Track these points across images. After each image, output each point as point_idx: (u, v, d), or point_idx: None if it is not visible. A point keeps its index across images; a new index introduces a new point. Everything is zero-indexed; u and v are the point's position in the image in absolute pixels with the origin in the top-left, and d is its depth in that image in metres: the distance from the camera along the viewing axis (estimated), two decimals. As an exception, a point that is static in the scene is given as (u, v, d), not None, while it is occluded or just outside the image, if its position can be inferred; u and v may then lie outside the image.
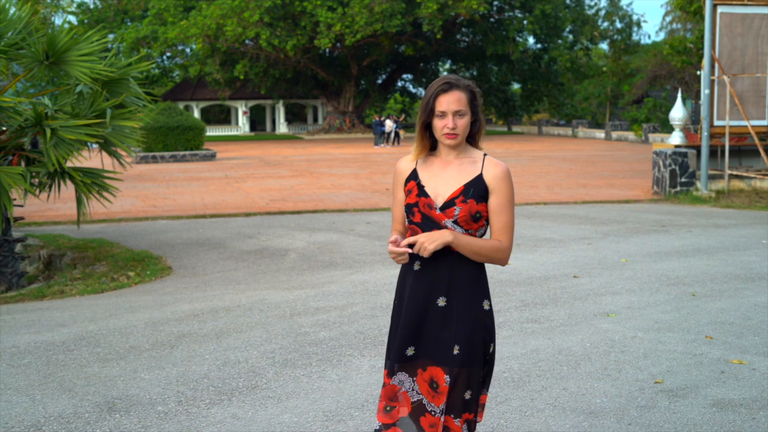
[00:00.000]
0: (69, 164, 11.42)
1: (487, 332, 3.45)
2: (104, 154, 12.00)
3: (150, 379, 5.77)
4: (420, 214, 3.44)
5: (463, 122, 3.42)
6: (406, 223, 3.55)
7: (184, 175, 26.49)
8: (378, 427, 3.44)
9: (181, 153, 33.63)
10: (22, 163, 11.88)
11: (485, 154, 3.52)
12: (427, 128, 3.49)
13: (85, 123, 10.78)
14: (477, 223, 3.40)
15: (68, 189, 12.03)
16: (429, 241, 3.29)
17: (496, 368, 5.96)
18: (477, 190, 3.41)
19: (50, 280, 12.04)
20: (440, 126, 3.41)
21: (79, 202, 11.45)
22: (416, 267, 3.45)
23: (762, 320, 7.24)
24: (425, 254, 3.30)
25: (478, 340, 3.40)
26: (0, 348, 6.82)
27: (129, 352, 6.54)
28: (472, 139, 3.54)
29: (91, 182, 11.50)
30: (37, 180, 11.50)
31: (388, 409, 3.42)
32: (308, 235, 13.37)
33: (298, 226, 14.45)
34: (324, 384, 5.58)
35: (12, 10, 11.45)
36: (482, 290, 3.47)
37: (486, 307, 3.47)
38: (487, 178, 3.44)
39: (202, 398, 5.35)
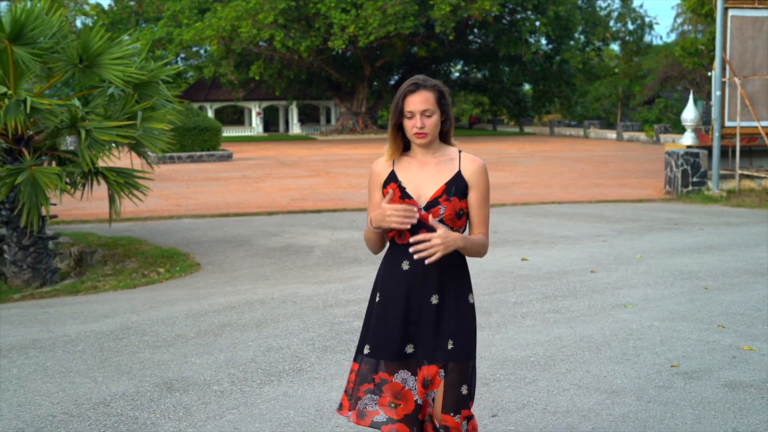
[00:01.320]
0: (101, 164, 11.86)
1: (473, 325, 3.57)
2: (133, 154, 12.44)
3: (201, 363, 6.21)
4: None
5: (432, 121, 3.46)
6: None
7: (203, 175, 26.93)
8: (384, 420, 3.48)
9: (198, 153, 34.08)
10: (53, 163, 12.34)
11: (460, 151, 3.58)
12: (399, 129, 3.54)
13: (118, 125, 11.21)
14: (460, 220, 3.48)
15: (95, 189, 12.45)
16: (444, 247, 3.32)
17: (522, 353, 6.38)
18: (458, 187, 3.48)
19: (82, 276, 12.47)
20: (410, 126, 3.46)
21: (111, 200, 11.89)
22: (405, 267, 3.49)
23: (771, 311, 7.65)
24: (434, 258, 3.33)
25: (468, 333, 3.52)
26: (53, 337, 7.26)
27: (176, 340, 6.97)
28: (444, 137, 3.58)
29: (124, 182, 11.95)
30: (71, 179, 11.95)
31: (392, 405, 3.48)
32: (331, 233, 13.77)
33: (320, 225, 14.86)
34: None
35: (45, 17, 11.87)
36: (467, 285, 3.58)
37: (471, 300, 3.59)
38: (466, 175, 3.50)
39: (253, 379, 5.79)
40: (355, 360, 3.62)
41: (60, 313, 8.76)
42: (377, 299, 3.58)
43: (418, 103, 3.43)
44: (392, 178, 3.54)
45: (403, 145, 3.57)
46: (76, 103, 12.22)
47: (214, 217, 16.52)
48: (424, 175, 3.51)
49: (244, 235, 13.93)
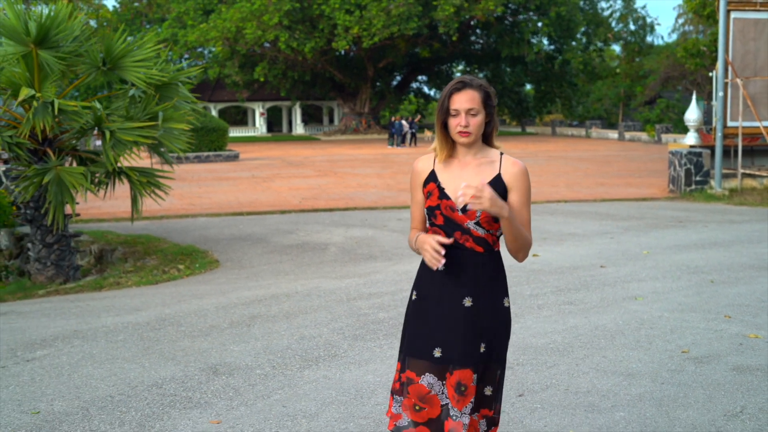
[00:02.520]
0: (124, 164, 12.22)
1: (507, 329, 3.53)
2: (147, 154, 12.79)
3: (239, 351, 6.60)
4: (442, 216, 3.47)
5: (476, 121, 3.43)
6: (428, 225, 3.57)
7: (212, 175, 27.31)
8: (406, 424, 3.48)
9: (205, 154, 34.45)
10: (74, 163, 12.71)
11: (502, 153, 3.54)
12: (446, 128, 3.50)
13: (141, 125, 11.59)
14: (497, 222, 3.44)
15: (113, 188, 12.79)
16: (491, 202, 3.25)
17: (541, 340, 6.77)
18: (497, 189, 3.41)
19: (104, 273, 12.83)
20: (454, 124, 3.43)
21: (134, 200, 12.26)
22: (440, 267, 3.43)
23: (775, 303, 8.04)
24: (483, 206, 3.25)
25: (501, 337, 3.49)
26: (92, 328, 7.64)
27: (211, 330, 7.36)
28: (486, 138, 3.55)
29: (147, 181, 12.34)
30: (95, 179, 12.31)
31: (417, 408, 3.45)
32: (344, 231, 14.14)
33: (332, 223, 15.24)
34: (395, 352, 6.38)
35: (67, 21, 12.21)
36: (503, 288, 3.54)
37: (506, 304, 3.54)
38: (506, 177, 3.46)
39: (292, 364, 6.18)
40: (399, 359, 3.63)
41: (92, 306, 9.12)
42: (413, 297, 3.59)
43: (464, 101, 3.41)
44: (432, 177, 3.53)
45: (452, 144, 3.53)
46: (97, 104, 12.61)
47: (228, 215, 16.89)
48: (464, 177, 3.48)
49: (259, 233, 14.29)
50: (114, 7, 63.87)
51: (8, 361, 6.46)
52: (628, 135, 48.15)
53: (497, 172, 3.48)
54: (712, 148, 19.52)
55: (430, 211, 3.51)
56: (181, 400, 5.40)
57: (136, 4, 63.67)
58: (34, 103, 10.82)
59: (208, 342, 6.91)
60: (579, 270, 9.89)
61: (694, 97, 21.09)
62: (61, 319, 8.26)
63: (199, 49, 56.71)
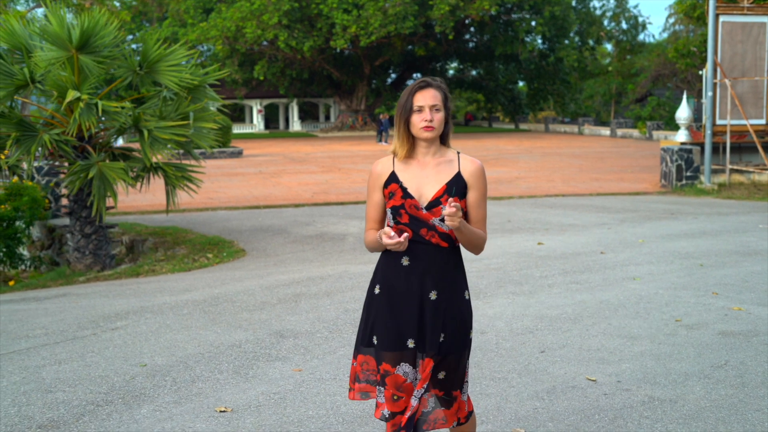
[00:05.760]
0: (158, 160, 13.20)
1: (468, 319, 3.74)
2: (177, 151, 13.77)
3: (296, 320, 7.64)
4: (407, 215, 3.63)
5: (439, 117, 3.60)
6: (392, 224, 3.70)
7: (220, 171, 28.26)
8: (387, 415, 3.67)
9: (203, 150, 35.23)
10: (106, 160, 13.68)
11: (458, 152, 3.72)
12: (408, 127, 3.65)
13: (174, 125, 12.59)
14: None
15: (149, 183, 13.67)
16: (458, 216, 3.46)
17: (554, 311, 7.82)
18: (458, 187, 3.62)
19: (137, 261, 13.83)
20: (418, 120, 3.59)
21: (168, 193, 13.27)
22: (405, 263, 3.65)
23: (757, 282, 9.09)
24: (453, 225, 3.47)
25: (461, 328, 3.71)
26: (156, 304, 8.66)
27: (263, 306, 8.38)
28: (443, 139, 3.71)
29: (181, 175, 13.37)
30: (131, 173, 13.30)
31: (395, 398, 3.65)
32: (359, 223, 15.12)
33: (346, 215, 16.24)
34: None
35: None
36: (463, 281, 3.76)
37: (466, 296, 3.75)
38: (465, 175, 3.65)
39: (345, 330, 7.23)
40: (355, 356, 3.82)
41: (143, 289, 10.12)
42: (376, 291, 3.74)
43: (428, 98, 3.60)
44: (393, 178, 3.69)
45: (412, 143, 3.70)
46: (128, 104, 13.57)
47: (246, 209, 17.88)
48: (424, 176, 3.66)
49: (279, 225, 15.28)
50: (113, 5, 64.59)
51: (96, 329, 7.50)
52: (620, 132, 49.19)
53: (456, 171, 3.68)
54: (702, 145, 20.60)
55: (395, 211, 3.66)
56: (263, 355, 6.46)
57: (133, 2, 64.44)
58: (80, 104, 11.78)
59: (265, 314, 7.94)
60: (581, 256, 10.95)
61: (684, 96, 22.22)
62: (121, 299, 9.26)
63: (200, 48, 57.53)
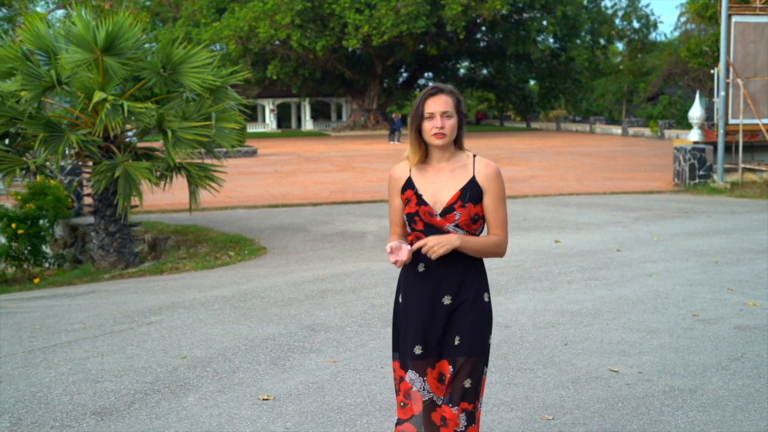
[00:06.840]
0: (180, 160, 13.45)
1: (486, 323, 3.71)
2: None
3: (324, 315, 7.91)
4: (422, 222, 3.63)
5: (451, 123, 3.58)
6: (409, 230, 3.72)
7: (236, 170, 28.43)
8: (395, 421, 3.75)
9: (224, 149, 35.48)
10: (129, 160, 13.95)
11: (474, 155, 3.70)
12: (420, 134, 3.65)
13: (197, 125, 12.86)
14: (476, 224, 3.63)
15: (171, 182, 13.91)
16: (438, 246, 3.49)
17: (575, 307, 8.08)
18: (473, 193, 3.60)
19: (159, 259, 14.11)
20: (429, 127, 3.58)
21: (192, 192, 13.54)
22: (420, 269, 3.66)
23: (771, 279, 9.37)
24: (434, 257, 3.52)
25: (477, 331, 3.67)
26: (186, 300, 8.94)
27: (291, 301, 8.65)
28: (457, 142, 3.70)
29: (204, 175, 13.64)
30: (156, 173, 13.56)
31: (402, 405, 3.68)
32: (377, 221, 15.38)
33: (364, 214, 16.50)
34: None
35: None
36: (483, 285, 3.72)
37: (486, 299, 3.71)
38: (480, 180, 3.63)
39: (374, 324, 7.50)
40: (393, 358, 3.85)
41: (170, 286, 10.40)
42: (400, 300, 3.79)
43: (439, 104, 3.59)
44: (409, 184, 3.69)
45: (425, 150, 3.71)
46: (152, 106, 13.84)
47: (264, 207, 18.14)
48: (440, 182, 3.65)
49: (298, 223, 15.53)
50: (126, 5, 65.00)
51: (132, 324, 7.79)
52: (631, 131, 49.26)
53: (471, 175, 3.66)
54: (715, 144, 20.81)
55: (410, 218, 3.67)
56: (297, 348, 6.75)
57: (147, 2, 64.86)
58: (107, 105, 12.05)
59: (294, 309, 8.22)
60: (598, 253, 11.19)
61: (697, 96, 22.40)
62: (151, 295, 9.55)
63: (213, 48, 57.88)
